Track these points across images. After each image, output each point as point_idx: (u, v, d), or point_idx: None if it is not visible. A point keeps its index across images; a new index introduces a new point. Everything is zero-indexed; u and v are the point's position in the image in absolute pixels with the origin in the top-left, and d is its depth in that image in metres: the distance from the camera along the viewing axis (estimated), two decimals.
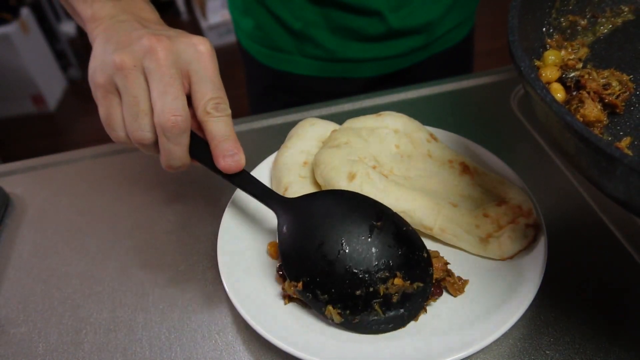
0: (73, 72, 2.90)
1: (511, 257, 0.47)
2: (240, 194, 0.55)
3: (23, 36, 2.47)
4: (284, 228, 0.45)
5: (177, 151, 0.42)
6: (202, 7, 2.93)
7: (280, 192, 0.54)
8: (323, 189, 0.53)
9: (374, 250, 0.44)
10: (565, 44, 0.45)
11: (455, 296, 0.45)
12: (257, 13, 0.80)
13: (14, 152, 2.36)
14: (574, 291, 0.47)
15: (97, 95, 0.42)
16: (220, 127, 0.42)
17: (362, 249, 0.43)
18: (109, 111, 0.42)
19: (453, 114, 0.70)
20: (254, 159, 0.60)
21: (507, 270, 0.46)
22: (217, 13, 2.85)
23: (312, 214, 0.45)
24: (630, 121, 0.39)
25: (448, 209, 0.51)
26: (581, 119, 0.38)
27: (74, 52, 2.99)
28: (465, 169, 0.55)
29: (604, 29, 0.46)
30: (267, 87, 0.89)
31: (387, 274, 0.43)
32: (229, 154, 0.43)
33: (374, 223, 0.45)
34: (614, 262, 0.50)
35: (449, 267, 0.46)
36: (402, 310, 0.43)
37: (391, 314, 0.43)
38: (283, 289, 0.45)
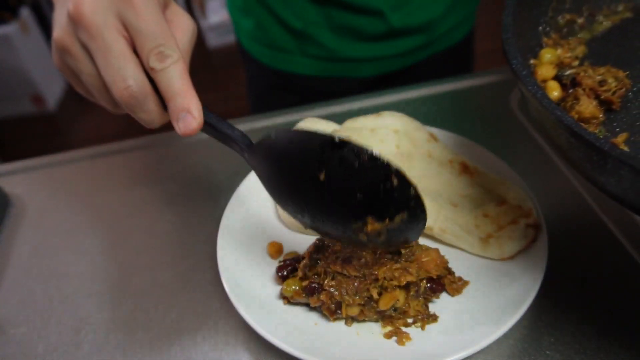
0: None
1: (511, 257, 0.47)
2: (241, 194, 0.55)
3: (23, 36, 2.47)
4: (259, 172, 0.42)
5: (147, 117, 0.38)
6: (202, 7, 2.93)
7: None
8: None
9: (332, 204, 0.39)
10: (562, 42, 0.45)
11: (454, 296, 0.45)
12: (257, 13, 0.80)
13: (14, 152, 2.36)
14: (574, 291, 0.47)
15: (65, 75, 0.40)
16: (167, 82, 0.36)
17: (321, 208, 0.39)
18: (79, 89, 0.40)
19: (453, 114, 0.70)
20: None
21: (507, 270, 0.46)
22: (217, 13, 2.85)
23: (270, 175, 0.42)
24: (627, 117, 0.39)
25: (448, 209, 0.51)
26: (576, 116, 0.38)
27: None
28: (465, 169, 0.55)
29: (601, 27, 0.46)
30: (268, 87, 0.89)
31: (358, 223, 0.39)
32: (181, 117, 0.38)
33: (317, 175, 0.38)
34: (614, 262, 0.50)
35: (449, 266, 0.46)
36: (403, 238, 0.41)
37: (392, 245, 0.41)
38: (282, 289, 0.45)
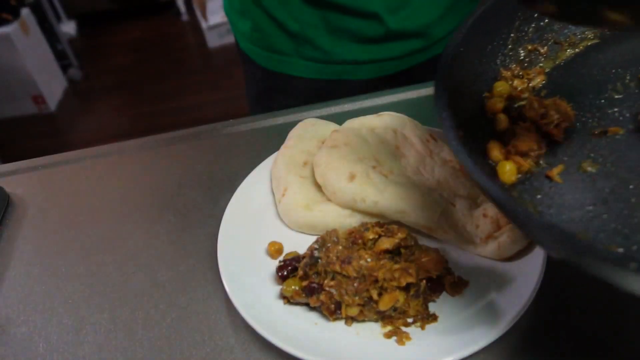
0: (73, 72, 2.91)
1: (511, 257, 0.47)
2: (240, 194, 0.55)
3: (23, 36, 2.47)
4: None
5: None
6: (202, 7, 2.93)
7: (280, 192, 0.54)
8: (323, 189, 0.53)
9: None
10: (523, 72, 0.45)
11: (454, 296, 0.45)
12: (254, 15, 0.79)
13: (14, 152, 2.36)
14: (574, 291, 0.47)
15: None
16: None
17: None
18: None
19: None
20: (254, 159, 0.60)
21: (507, 270, 0.46)
22: (217, 13, 2.84)
23: None
24: (569, 149, 0.39)
25: (448, 209, 0.51)
26: (513, 149, 0.39)
27: (74, 52, 2.99)
28: (465, 168, 0.55)
29: (565, 55, 0.45)
30: (265, 89, 0.89)
31: None
32: None
33: None
34: None
35: (449, 266, 0.46)
36: None
37: None
38: (283, 289, 0.45)
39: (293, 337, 0.42)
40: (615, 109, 0.39)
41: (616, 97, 0.40)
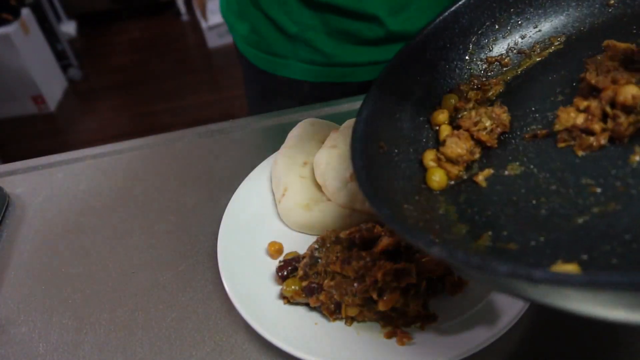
0: (73, 72, 2.91)
1: None
2: (241, 194, 0.55)
3: (23, 36, 2.47)
4: None
5: None
6: (202, 7, 2.93)
7: (280, 192, 0.54)
8: (323, 189, 0.53)
9: None
10: (479, 84, 0.45)
11: (454, 296, 0.45)
12: (252, 17, 0.79)
13: (14, 152, 2.37)
14: None
15: None
16: None
17: None
18: None
19: None
20: (254, 159, 0.60)
21: None
22: (217, 13, 2.84)
23: None
24: (503, 154, 0.39)
25: None
26: (442, 157, 0.40)
27: (74, 52, 2.99)
28: None
29: (528, 63, 0.45)
30: (264, 91, 0.89)
31: None
32: None
33: None
34: None
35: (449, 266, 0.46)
36: None
37: None
38: (282, 289, 0.45)
39: (293, 337, 0.42)
40: (555, 112, 0.39)
41: (559, 99, 0.40)
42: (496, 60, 0.46)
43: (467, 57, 0.46)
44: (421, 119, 0.44)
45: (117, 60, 3.08)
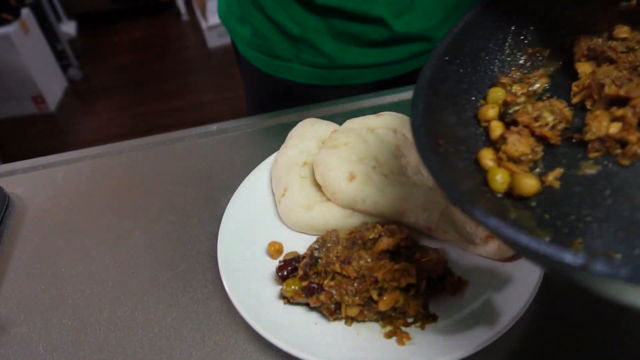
0: (73, 72, 2.91)
1: (511, 257, 0.47)
2: (241, 194, 0.55)
3: (23, 36, 2.47)
4: None
5: None
6: (202, 7, 2.93)
7: (280, 192, 0.54)
8: (323, 189, 0.53)
9: None
10: (522, 77, 0.42)
11: (454, 296, 0.45)
12: (255, 20, 0.79)
13: (14, 152, 2.37)
14: (574, 291, 0.47)
15: None
16: None
17: None
18: None
19: None
20: (254, 159, 0.60)
21: (507, 270, 0.46)
22: (217, 13, 2.85)
23: None
24: (569, 152, 0.36)
25: (448, 209, 0.51)
26: (504, 156, 0.36)
27: (74, 52, 2.99)
28: None
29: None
30: (266, 95, 0.89)
31: None
32: None
33: None
34: None
35: (449, 266, 0.46)
36: None
37: None
38: (282, 289, 0.45)
39: (293, 337, 0.42)
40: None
41: None
42: (537, 51, 0.43)
43: (506, 49, 0.42)
44: (467, 115, 0.40)
45: (117, 60, 3.08)
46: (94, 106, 2.70)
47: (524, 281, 0.44)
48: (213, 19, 2.86)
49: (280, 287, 0.46)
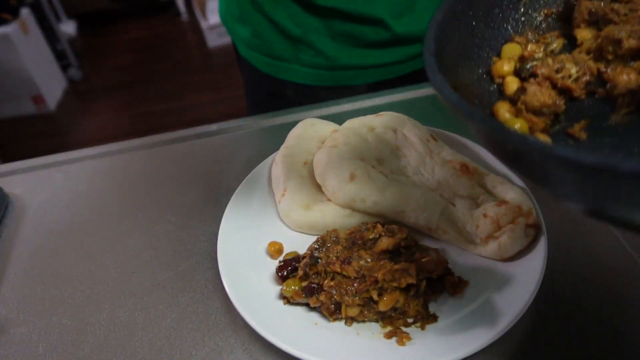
0: (73, 72, 2.91)
1: (511, 257, 0.47)
2: (241, 194, 0.55)
3: (23, 36, 2.47)
4: None
5: None
6: (202, 7, 2.93)
7: (280, 192, 0.54)
8: (323, 189, 0.53)
9: None
10: (539, 37, 0.40)
11: (454, 296, 0.45)
12: (254, 20, 0.79)
13: (14, 152, 2.36)
14: (574, 291, 0.47)
15: None
16: None
17: None
18: None
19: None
20: (254, 159, 0.60)
21: (507, 270, 0.46)
22: (217, 13, 2.85)
23: None
24: (594, 106, 0.33)
25: (448, 209, 0.51)
26: (523, 107, 0.34)
27: (74, 52, 2.99)
28: (465, 169, 0.55)
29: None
30: (266, 95, 0.89)
31: None
32: None
33: None
34: (614, 262, 0.50)
35: (449, 266, 0.46)
36: None
37: None
38: (282, 289, 0.45)
39: (293, 337, 0.42)
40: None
41: None
42: (553, 13, 0.40)
43: (521, 7, 0.40)
44: (480, 70, 0.37)
45: (117, 60, 3.08)
46: (93, 106, 2.70)
47: (524, 281, 0.44)
48: (213, 18, 2.86)
49: (280, 287, 0.46)
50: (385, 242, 0.45)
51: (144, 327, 0.48)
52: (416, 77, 0.84)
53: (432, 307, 0.45)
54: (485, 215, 0.49)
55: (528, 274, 0.45)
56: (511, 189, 0.51)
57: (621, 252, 0.51)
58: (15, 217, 0.61)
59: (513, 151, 0.25)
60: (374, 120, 0.59)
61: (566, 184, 0.24)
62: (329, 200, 0.53)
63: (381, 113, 0.60)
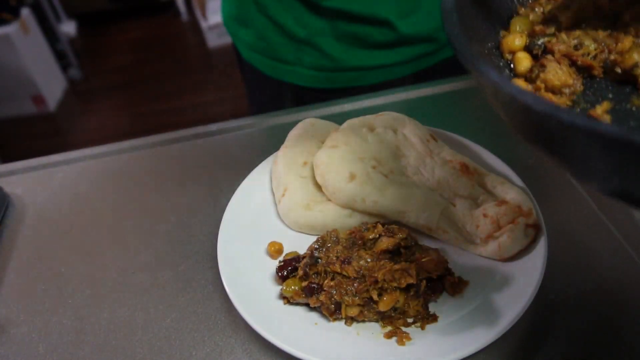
0: (73, 72, 2.90)
1: (511, 257, 0.47)
2: (240, 194, 0.55)
3: (23, 36, 2.47)
4: None
5: None
6: (202, 7, 2.93)
7: (280, 192, 0.54)
8: (323, 189, 0.53)
9: None
10: (547, 13, 0.37)
11: (454, 296, 0.45)
12: (258, 23, 0.79)
13: (14, 152, 2.36)
14: (574, 291, 0.47)
15: None
16: None
17: None
18: None
19: (453, 114, 0.70)
20: (254, 159, 0.60)
21: (507, 270, 0.46)
22: (217, 13, 2.84)
23: None
24: (614, 86, 0.32)
25: (448, 209, 0.51)
26: (542, 86, 0.32)
27: (74, 52, 2.99)
28: (465, 169, 0.55)
29: None
30: (270, 98, 0.89)
31: None
32: None
33: None
34: (614, 262, 0.50)
35: (449, 266, 0.46)
36: None
37: None
38: (282, 289, 0.45)
39: (293, 337, 0.42)
40: None
41: None
42: None
43: None
44: (489, 44, 0.36)
45: (117, 60, 3.08)
46: (93, 106, 2.70)
47: (524, 281, 0.44)
48: (213, 18, 2.86)
49: (280, 287, 0.46)
50: (385, 242, 0.45)
51: (144, 327, 0.48)
52: (422, 77, 0.84)
53: (432, 307, 0.45)
54: (485, 215, 0.49)
55: (528, 274, 0.45)
56: (511, 189, 0.51)
57: (621, 252, 0.51)
58: (15, 217, 0.61)
59: (554, 128, 0.23)
60: (374, 120, 0.59)
61: (599, 164, 0.23)
62: (329, 200, 0.53)
63: (381, 113, 0.60)
